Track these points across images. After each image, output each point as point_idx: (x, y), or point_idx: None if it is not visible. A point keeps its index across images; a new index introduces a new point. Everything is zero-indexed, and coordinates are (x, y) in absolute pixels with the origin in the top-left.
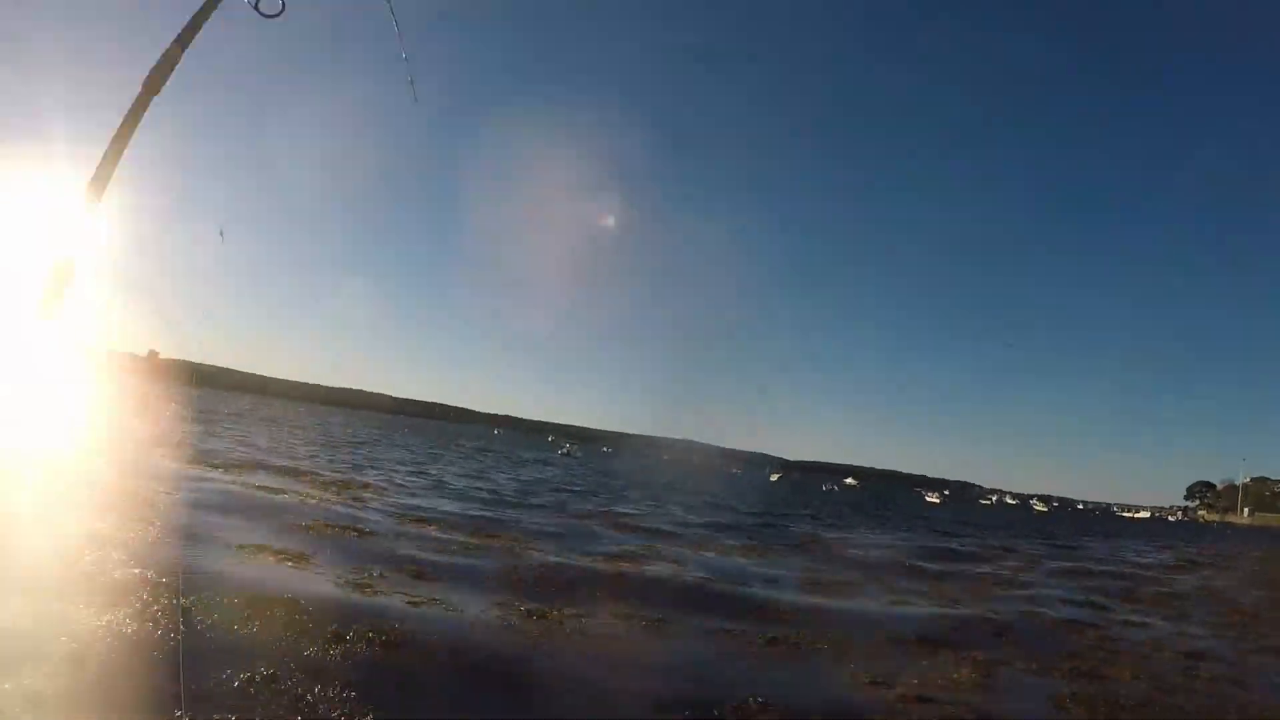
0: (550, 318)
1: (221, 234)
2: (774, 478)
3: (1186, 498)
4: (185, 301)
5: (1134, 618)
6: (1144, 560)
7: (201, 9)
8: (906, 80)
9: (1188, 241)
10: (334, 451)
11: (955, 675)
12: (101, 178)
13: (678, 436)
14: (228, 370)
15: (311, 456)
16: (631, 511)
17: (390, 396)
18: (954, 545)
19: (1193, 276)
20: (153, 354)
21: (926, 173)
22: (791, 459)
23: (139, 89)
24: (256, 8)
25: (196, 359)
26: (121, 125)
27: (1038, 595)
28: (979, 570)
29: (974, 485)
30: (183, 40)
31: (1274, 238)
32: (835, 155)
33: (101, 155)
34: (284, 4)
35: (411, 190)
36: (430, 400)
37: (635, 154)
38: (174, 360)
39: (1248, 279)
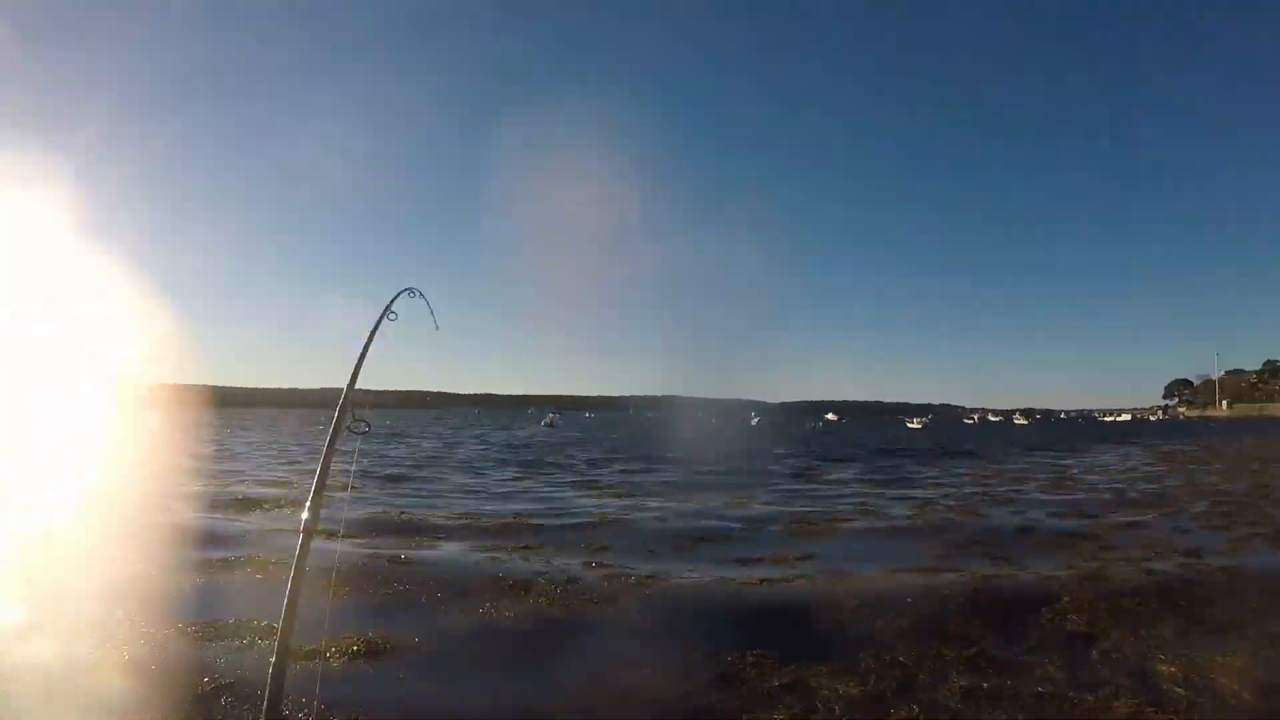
0: (513, 289)
1: None
2: (754, 421)
3: (1166, 396)
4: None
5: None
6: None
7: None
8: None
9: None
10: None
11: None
12: None
13: (660, 394)
14: (207, 387)
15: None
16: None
17: (370, 390)
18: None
19: (1153, 177)
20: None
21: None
22: (773, 402)
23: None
24: (349, 429)
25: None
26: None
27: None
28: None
29: (957, 407)
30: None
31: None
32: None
33: None
34: (369, 427)
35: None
36: (410, 389)
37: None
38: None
39: (1211, 177)
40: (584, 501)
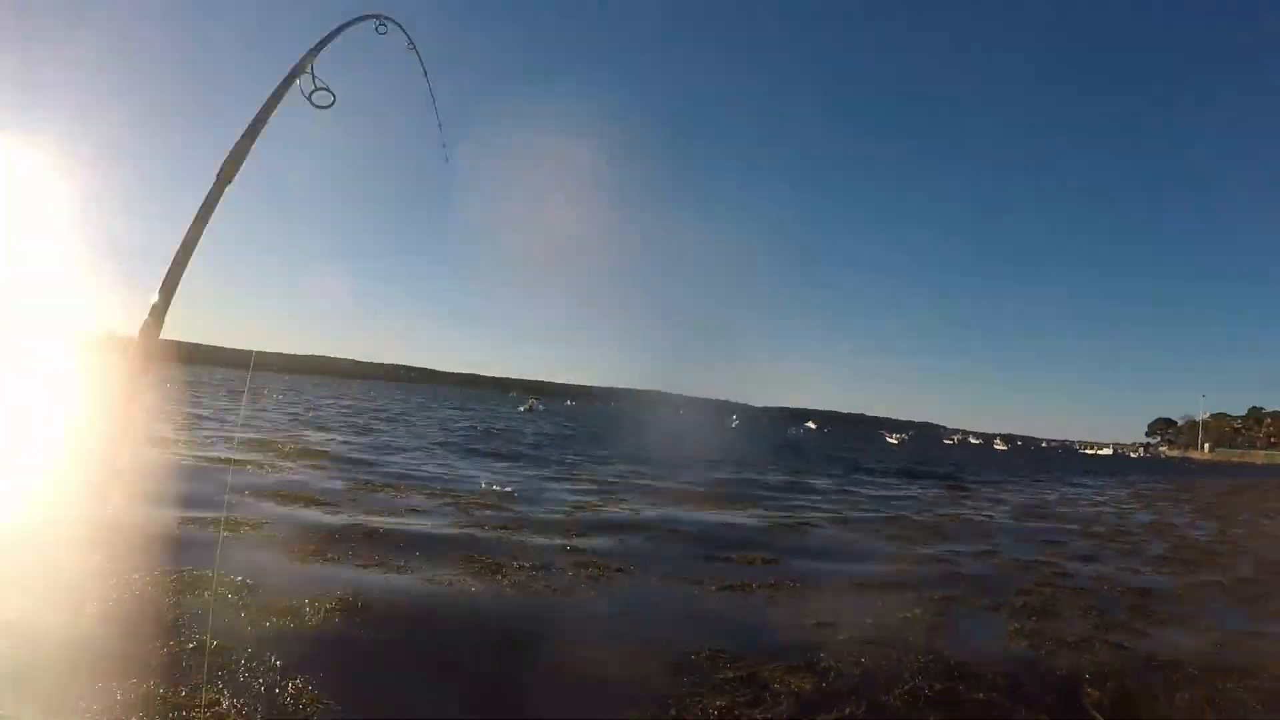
0: (503, 276)
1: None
2: (733, 424)
3: (1148, 434)
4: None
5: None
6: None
7: (265, 104)
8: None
9: (1140, 175)
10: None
11: None
12: (175, 274)
13: (643, 388)
14: (200, 346)
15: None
16: None
17: (353, 361)
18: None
19: (1154, 212)
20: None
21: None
22: (757, 405)
23: (213, 180)
24: (310, 99)
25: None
26: (197, 216)
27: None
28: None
29: (938, 426)
30: (250, 134)
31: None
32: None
33: (178, 245)
34: (334, 97)
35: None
36: (395, 363)
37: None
38: (169, 341)
39: (1210, 213)
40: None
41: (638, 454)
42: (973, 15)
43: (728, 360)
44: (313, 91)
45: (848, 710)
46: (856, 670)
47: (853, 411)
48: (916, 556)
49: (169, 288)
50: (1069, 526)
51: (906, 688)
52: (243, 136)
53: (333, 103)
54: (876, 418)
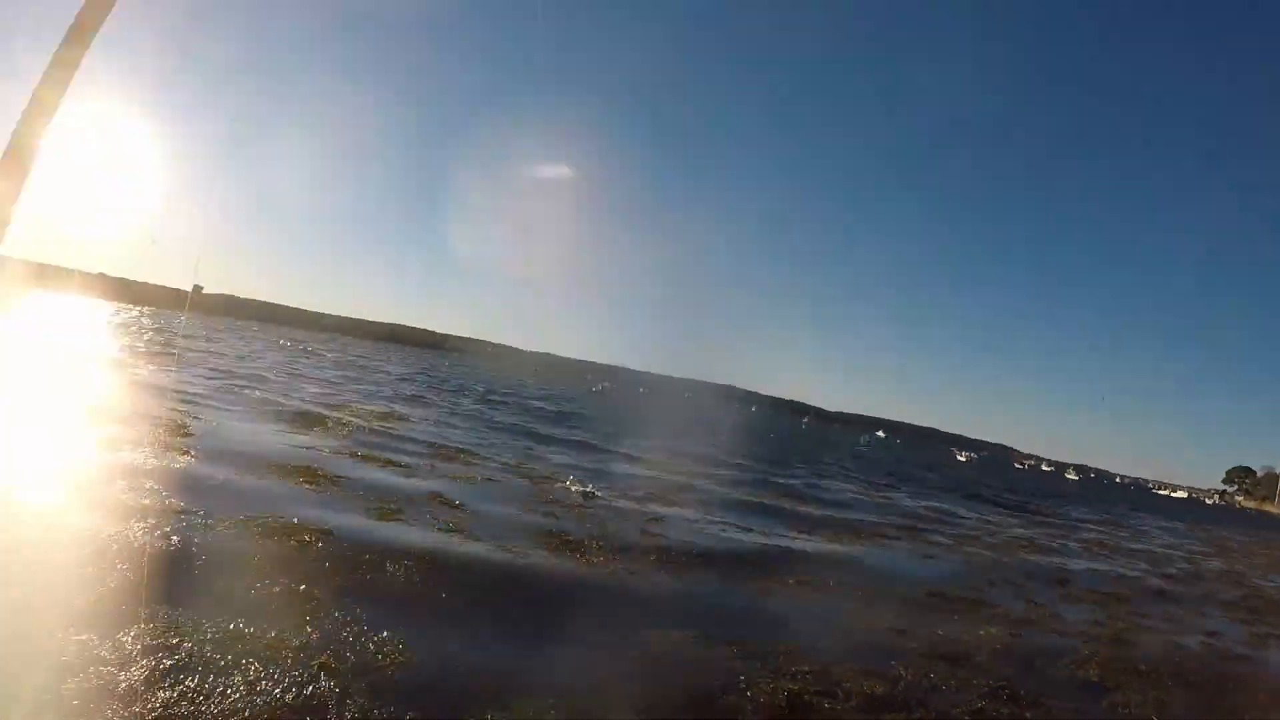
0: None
1: None
2: (804, 425)
3: (1225, 482)
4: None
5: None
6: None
7: None
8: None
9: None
10: None
11: None
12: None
13: (707, 380)
14: (254, 301)
15: None
16: None
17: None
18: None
19: (1255, 258)
20: (197, 289)
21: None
22: (830, 410)
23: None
24: None
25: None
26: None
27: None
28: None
29: (1011, 449)
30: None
31: None
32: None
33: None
34: None
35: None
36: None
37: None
38: (217, 295)
39: None
40: None
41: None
42: None
43: (798, 363)
44: None
45: None
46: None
47: (926, 425)
48: None
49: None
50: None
51: None
52: None
53: None
54: (948, 433)
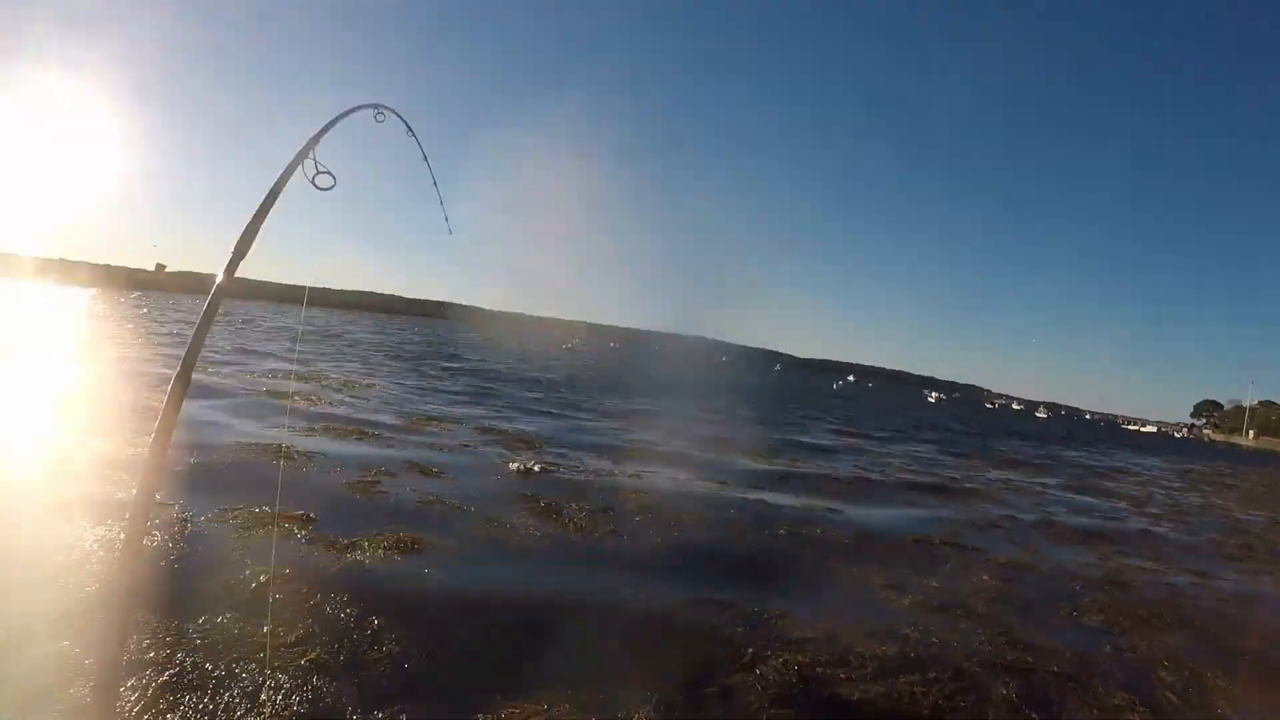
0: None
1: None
2: (776, 370)
3: (1193, 416)
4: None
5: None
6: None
7: (271, 190)
8: None
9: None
10: None
11: None
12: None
13: (687, 334)
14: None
15: None
16: None
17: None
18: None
19: (1214, 186)
20: (160, 267)
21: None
22: (800, 356)
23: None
24: (313, 182)
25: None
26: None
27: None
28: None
29: (982, 389)
30: (260, 215)
31: None
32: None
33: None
34: (335, 180)
35: None
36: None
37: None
38: (181, 273)
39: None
40: None
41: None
42: None
43: (767, 307)
44: (315, 175)
45: None
46: None
47: (895, 368)
48: None
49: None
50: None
51: None
52: (252, 219)
53: (333, 185)
54: (920, 376)
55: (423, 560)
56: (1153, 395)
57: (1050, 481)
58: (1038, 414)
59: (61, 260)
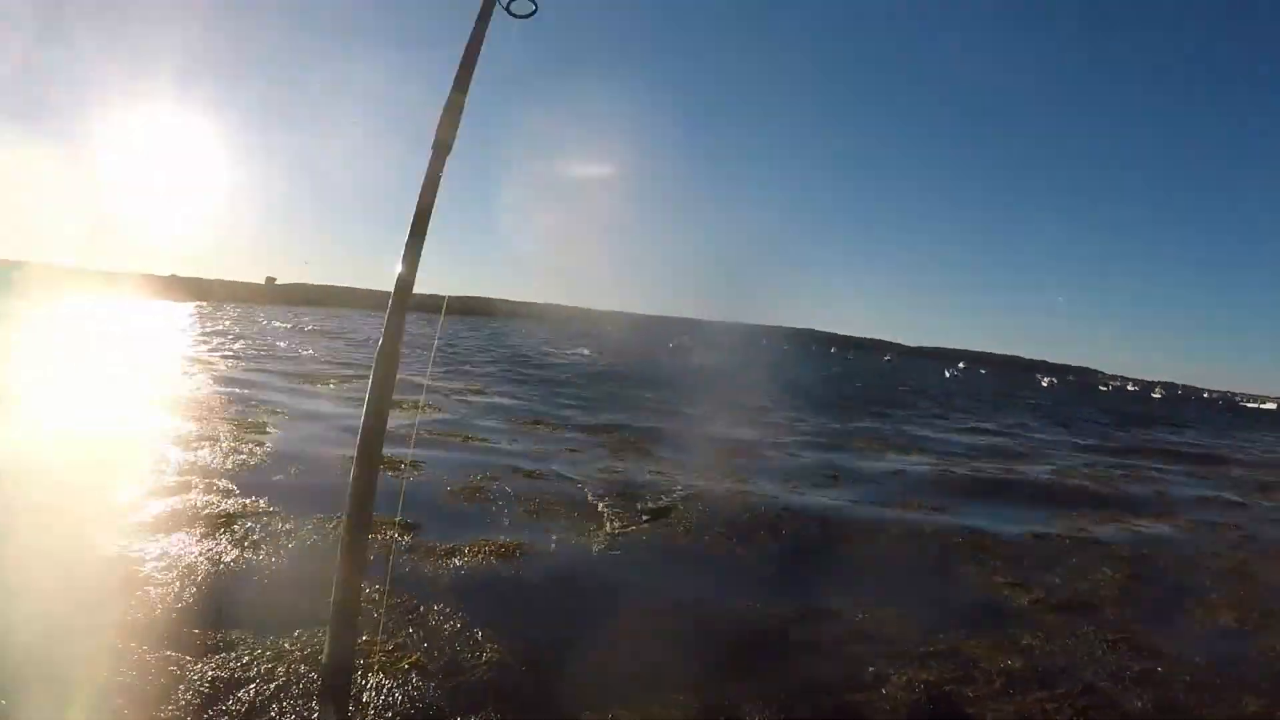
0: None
1: None
2: (887, 360)
3: None
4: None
5: None
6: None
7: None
8: None
9: None
10: None
11: None
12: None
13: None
14: (325, 287)
15: None
16: None
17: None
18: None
19: None
20: (270, 280)
21: None
22: (910, 345)
23: (429, 148)
24: (509, 9)
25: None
26: (424, 185)
27: None
28: None
29: (1096, 371)
30: (461, 85)
31: None
32: None
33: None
34: (536, 5)
35: None
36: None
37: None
38: (288, 284)
39: None
40: None
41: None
42: None
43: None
44: (510, 1)
45: None
46: None
47: (1009, 354)
48: None
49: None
50: None
51: None
52: (454, 90)
53: (534, 11)
54: (1032, 360)
55: (520, 565)
56: (1273, 371)
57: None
58: (1153, 394)
59: (173, 276)
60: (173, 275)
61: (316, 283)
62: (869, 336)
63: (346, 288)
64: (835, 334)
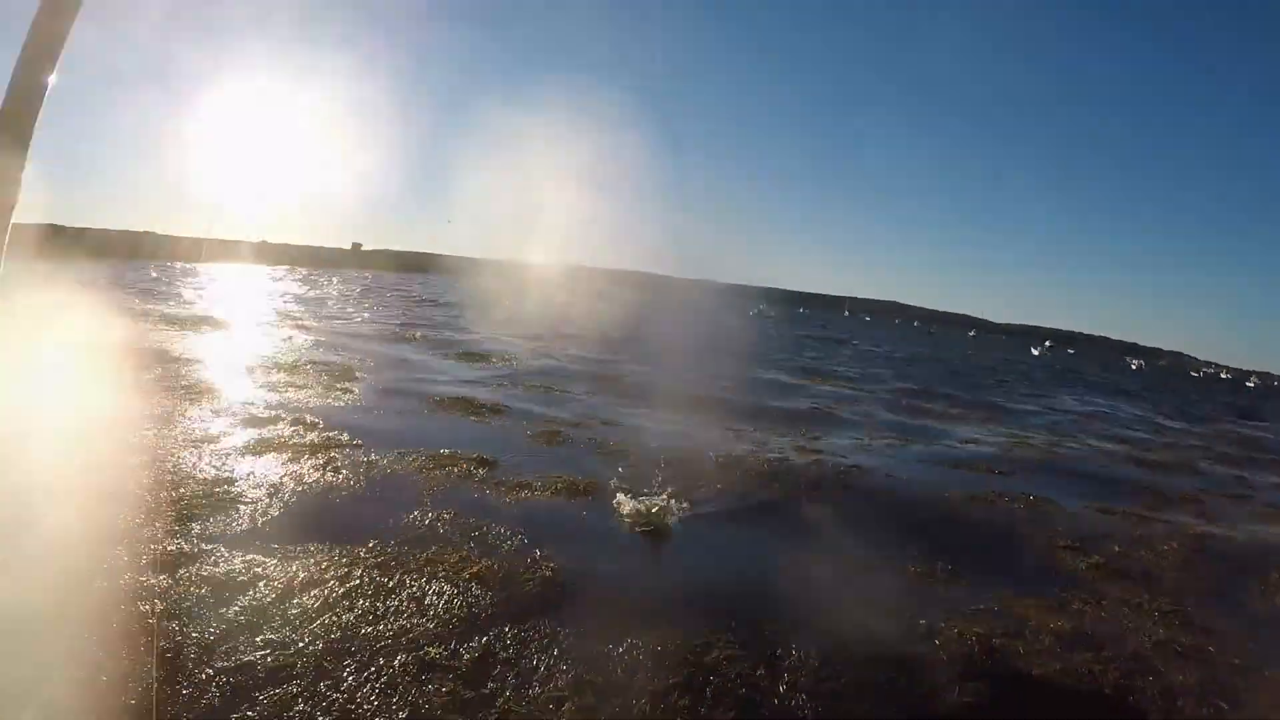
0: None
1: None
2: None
3: None
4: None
5: None
6: None
7: None
8: None
9: None
10: None
11: None
12: None
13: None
14: (409, 254)
15: None
16: None
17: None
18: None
19: None
20: (356, 246)
21: None
22: (997, 321)
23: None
24: None
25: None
26: None
27: None
28: None
29: (1188, 357)
30: None
31: None
32: None
33: None
34: None
35: None
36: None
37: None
38: (375, 250)
39: None
40: None
41: None
42: None
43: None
44: None
45: None
46: None
47: (1095, 333)
48: None
49: None
50: None
51: None
52: None
53: None
54: (1119, 341)
55: (587, 502)
56: None
57: None
58: (1248, 383)
59: (263, 242)
60: (262, 241)
61: (397, 249)
62: (951, 311)
63: (425, 253)
64: (922, 308)
